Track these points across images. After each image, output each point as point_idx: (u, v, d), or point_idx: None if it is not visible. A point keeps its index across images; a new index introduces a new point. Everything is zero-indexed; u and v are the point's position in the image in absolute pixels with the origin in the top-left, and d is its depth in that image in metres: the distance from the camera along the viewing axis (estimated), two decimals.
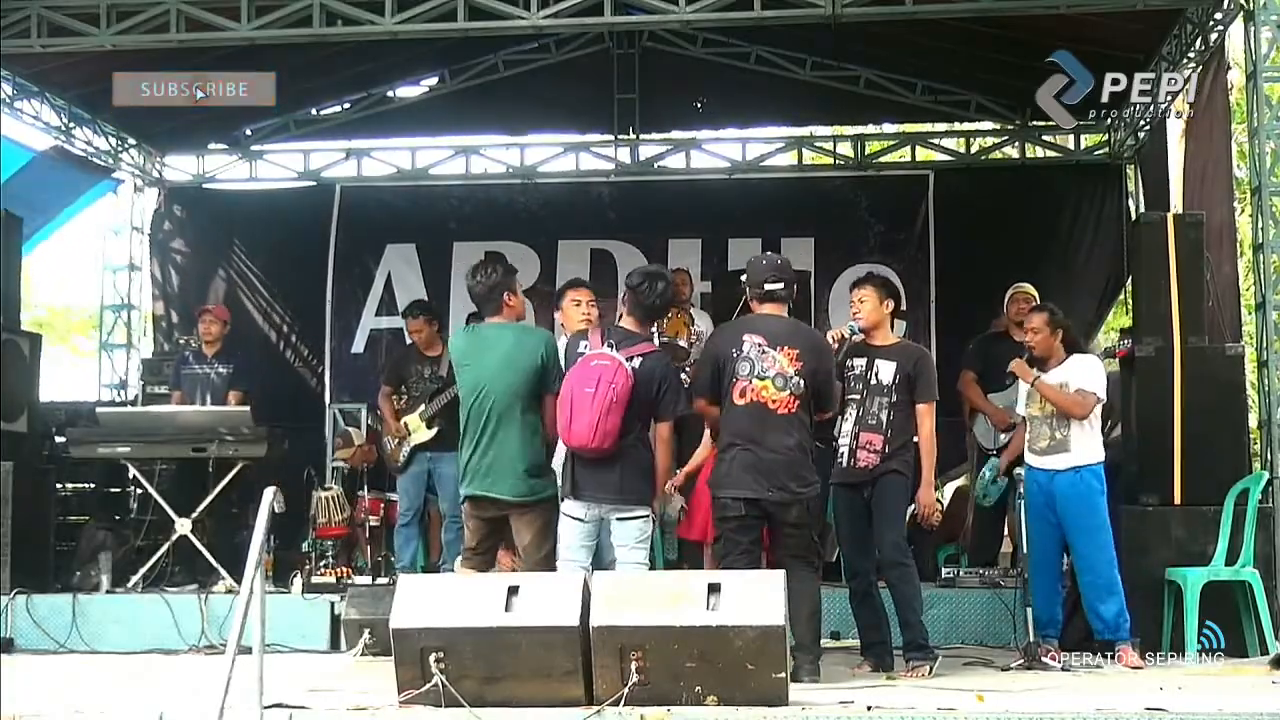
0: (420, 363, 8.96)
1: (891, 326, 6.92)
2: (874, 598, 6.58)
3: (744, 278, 6.34)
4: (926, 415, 6.56)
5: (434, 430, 8.66)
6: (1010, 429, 8.26)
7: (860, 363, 6.59)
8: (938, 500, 10.83)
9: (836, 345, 6.53)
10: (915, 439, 6.61)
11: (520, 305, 6.39)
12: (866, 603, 6.55)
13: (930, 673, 6.30)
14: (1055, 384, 6.89)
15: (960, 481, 9.81)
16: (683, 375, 9.09)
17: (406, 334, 9.35)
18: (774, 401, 6.04)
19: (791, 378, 6.06)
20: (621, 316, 6.32)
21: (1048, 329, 6.98)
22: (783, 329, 6.17)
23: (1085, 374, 6.91)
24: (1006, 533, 8.53)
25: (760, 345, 6.07)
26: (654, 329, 6.36)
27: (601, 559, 6.28)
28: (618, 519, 6.01)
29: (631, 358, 5.95)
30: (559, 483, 6.15)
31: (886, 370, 6.52)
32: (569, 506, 6.02)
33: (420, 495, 8.89)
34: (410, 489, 8.85)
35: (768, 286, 6.24)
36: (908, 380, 6.52)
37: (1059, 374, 6.93)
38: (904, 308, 11.07)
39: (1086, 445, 6.86)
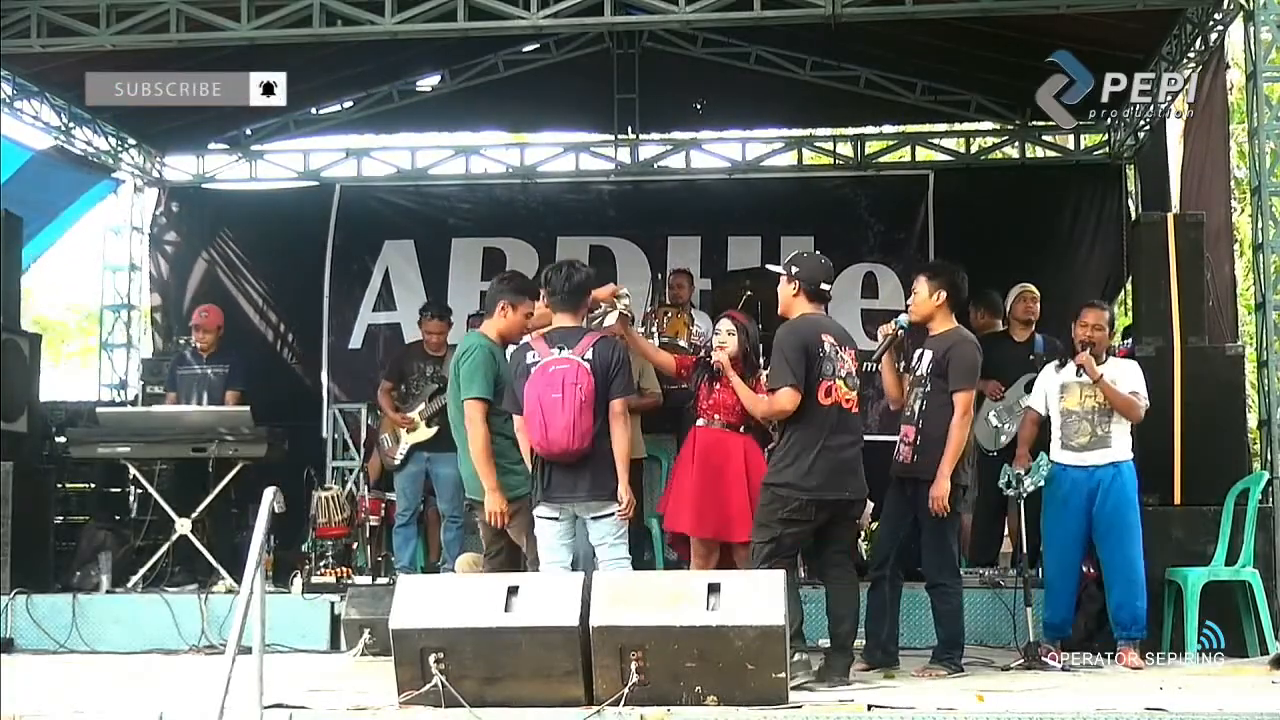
0: (423, 360, 8.97)
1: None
2: (882, 593, 6.53)
3: (794, 270, 6.17)
4: (958, 403, 6.31)
5: (433, 429, 8.66)
6: (1002, 398, 8.24)
7: (916, 355, 6.59)
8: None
9: (885, 339, 6.50)
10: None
11: (516, 321, 6.36)
12: (874, 595, 6.53)
13: (947, 678, 6.27)
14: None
15: None
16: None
17: (419, 332, 9.32)
18: (848, 401, 6.06)
19: (853, 377, 6.11)
20: (552, 319, 6.20)
21: (1108, 327, 7.02)
22: (839, 329, 6.21)
23: (1134, 376, 6.92)
24: (1006, 533, 8.54)
25: (833, 345, 6.06)
26: (585, 318, 6.28)
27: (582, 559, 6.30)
28: (591, 518, 6.00)
29: (584, 354, 5.92)
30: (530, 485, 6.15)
31: (925, 359, 6.47)
32: (541, 509, 6.00)
33: (417, 495, 8.90)
34: (407, 489, 8.85)
35: (824, 287, 6.21)
36: (938, 367, 6.39)
37: (1103, 373, 6.90)
38: (902, 307, 11.07)
39: (1125, 442, 6.87)
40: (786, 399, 5.99)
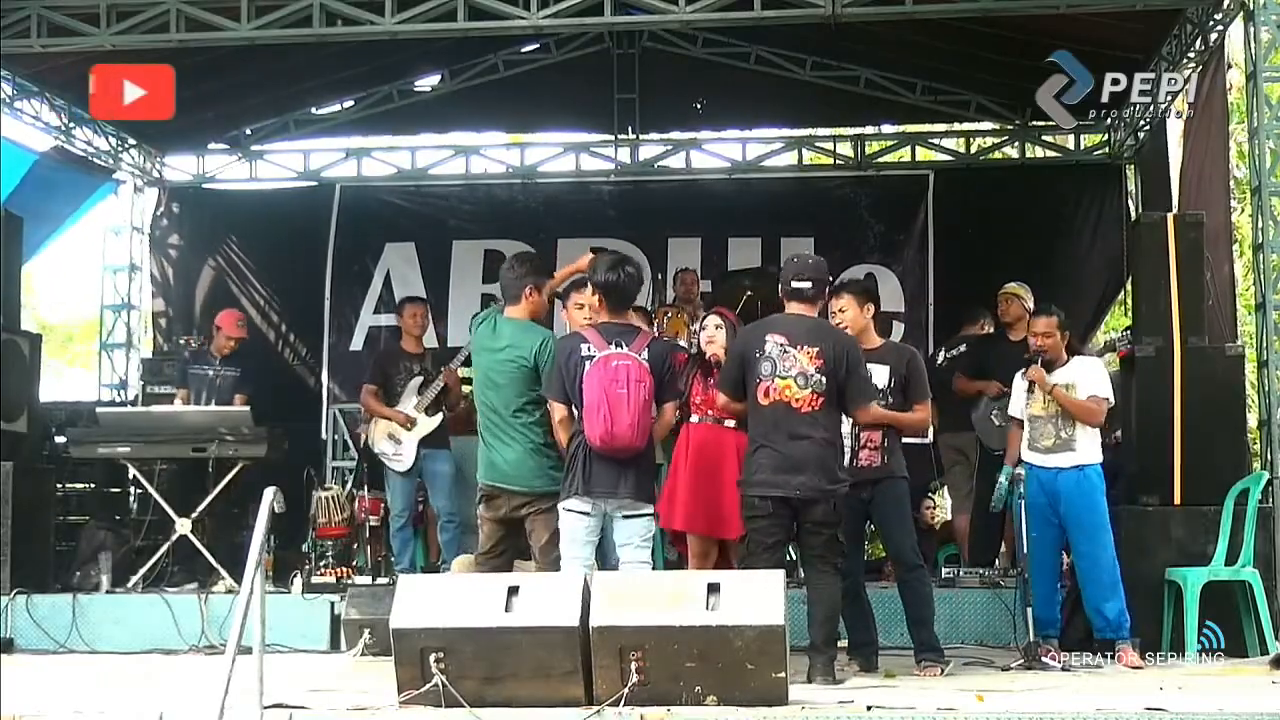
0: (407, 359, 8.95)
1: (878, 329, 6.93)
2: (863, 598, 6.61)
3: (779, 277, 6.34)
4: (923, 411, 6.71)
5: (436, 418, 8.65)
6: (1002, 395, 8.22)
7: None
8: (937, 504, 10.92)
9: None
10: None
11: (540, 303, 6.38)
12: (856, 603, 6.55)
13: (943, 674, 6.31)
14: (1051, 384, 6.90)
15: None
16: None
17: (397, 325, 9.33)
18: (797, 400, 6.05)
19: (812, 376, 6.05)
20: (601, 313, 6.21)
21: (1058, 333, 7.01)
22: (804, 328, 6.17)
23: (1094, 378, 6.94)
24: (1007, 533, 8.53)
25: (782, 345, 6.08)
26: (635, 316, 6.35)
27: (605, 560, 6.28)
28: (623, 516, 6.00)
29: (640, 352, 5.94)
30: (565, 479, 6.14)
31: (880, 374, 6.54)
32: (574, 503, 5.98)
33: (413, 495, 8.87)
34: (405, 488, 8.81)
35: (794, 284, 6.23)
36: (901, 382, 6.59)
37: (1062, 375, 6.94)
38: (900, 309, 11.12)
39: (1090, 445, 6.90)
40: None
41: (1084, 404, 6.87)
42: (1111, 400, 6.98)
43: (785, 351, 6.07)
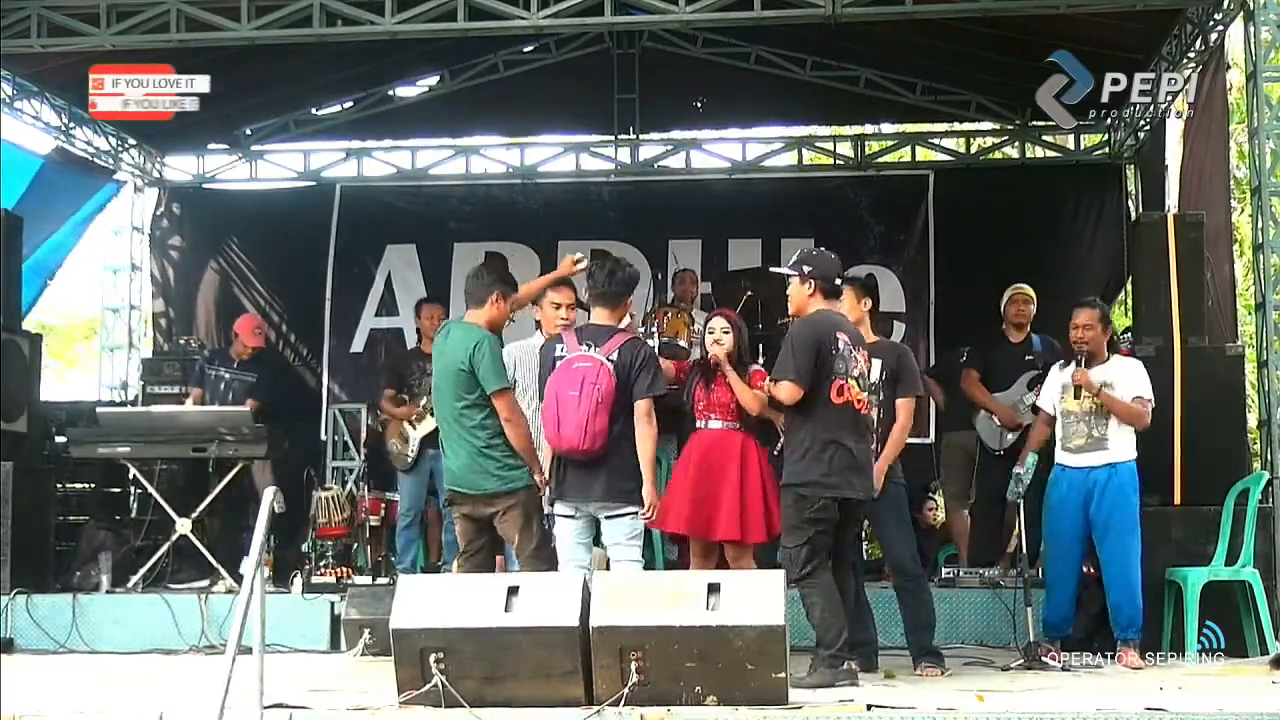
0: (422, 360, 8.99)
1: (879, 328, 6.93)
2: (862, 599, 6.59)
3: (807, 269, 6.13)
4: (905, 409, 6.55)
5: None
6: (1018, 429, 8.21)
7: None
8: (938, 504, 10.92)
9: None
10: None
11: (505, 311, 6.36)
12: (855, 603, 6.51)
13: (943, 675, 6.30)
14: (1098, 383, 6.86)
15: None
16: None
17: (415, 327, 9.36)
18: (858, 401, 6.05)
19: (866, 378, 6.11)
20: (590, 314, 6.28)
21: (1100, 325, 6.98)
22: (854, 330, 6.21)
23: (1135, 378, 6.90)
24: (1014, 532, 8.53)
25: (848, 344, 6.05)
26: (623, 317, 6.30)
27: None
28: (606, 517, 6.04)
29: (610, 354, 5.96)
30: (537, 481, 6.16)
31: (874, 368, 6.47)
32: (558, 506, 6.06)
33: (422, 495, 8.90)
34: (414, 489, 8.85)
35: (838, 282, 6.25)
36: (892, 375, 6.55)
37: (1099, 373, 6.89)
38: (901, 309, 11.11)
39: (1123, 443, 6.85)
40: (784, 391, 5.98)
41: (1130, 406, 6.82)
42: (1153, 401, 6.90)
43: (851, 352, 6.04)
